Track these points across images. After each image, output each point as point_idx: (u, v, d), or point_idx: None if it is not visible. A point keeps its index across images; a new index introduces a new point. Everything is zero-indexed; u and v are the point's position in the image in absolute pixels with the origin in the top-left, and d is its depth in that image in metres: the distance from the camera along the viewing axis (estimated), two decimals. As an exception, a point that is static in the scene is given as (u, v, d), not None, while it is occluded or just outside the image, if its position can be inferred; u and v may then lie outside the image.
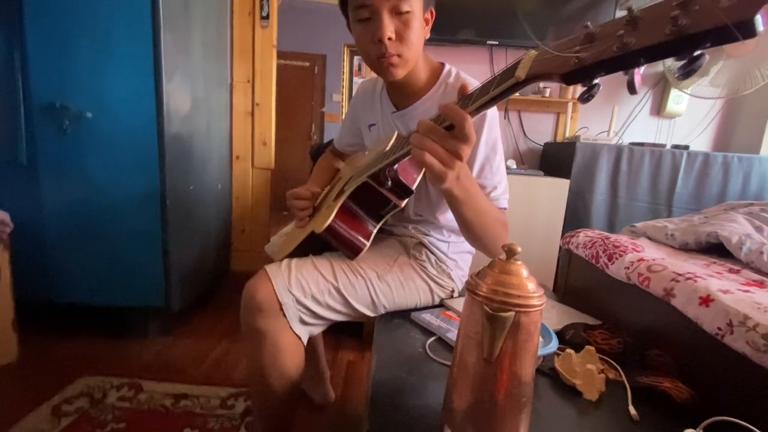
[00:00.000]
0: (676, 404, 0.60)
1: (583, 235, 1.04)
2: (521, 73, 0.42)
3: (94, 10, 1.25)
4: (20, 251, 1.29)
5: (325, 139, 4.39)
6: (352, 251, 0.79)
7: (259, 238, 2.03)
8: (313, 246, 0.85)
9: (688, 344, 0.67)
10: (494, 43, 1.78)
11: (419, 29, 0.72)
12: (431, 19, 0.77)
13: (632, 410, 0.59)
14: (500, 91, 0.45)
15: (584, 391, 0.62)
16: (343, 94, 3.21)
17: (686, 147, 1.67)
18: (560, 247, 1.19)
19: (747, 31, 0.29)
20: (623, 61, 0.34)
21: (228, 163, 1.92)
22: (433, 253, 0.90)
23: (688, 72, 0.32)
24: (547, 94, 1.85)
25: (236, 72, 1.87)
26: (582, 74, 0.36)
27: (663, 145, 1.69)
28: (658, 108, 1.97)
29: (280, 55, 1.94)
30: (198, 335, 1.55)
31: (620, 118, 1.96)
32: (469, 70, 1.86)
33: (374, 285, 0.80)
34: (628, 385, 0.64)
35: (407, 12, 0.69)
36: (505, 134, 1.96)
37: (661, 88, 1.93)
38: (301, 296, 0.73)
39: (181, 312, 1.54)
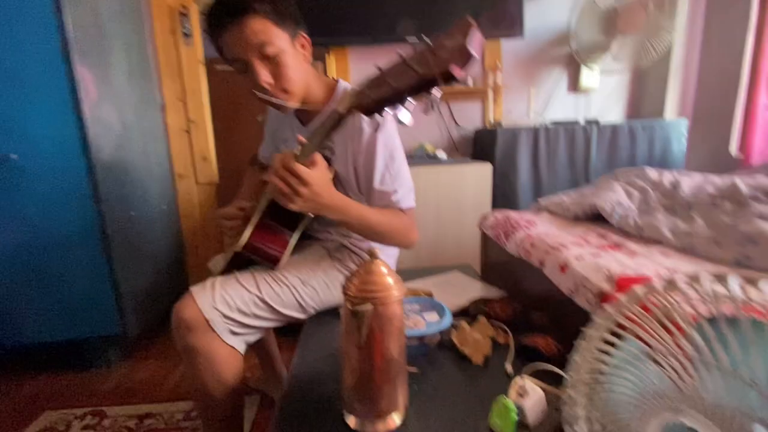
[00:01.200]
0: (547, 358, 0.73)
1: (492, 217, 1.17)
2: (341, 108, 0.51)
3: (4, 53, 1.24)
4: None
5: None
6: (271, 262, 0.87)
7: (212, 252, 2.06)
8: (241, 262, 0.92)
9: (557, 305, 0.79)
10: (412, 38, 1.86)
11: (295, 61, 0.79)
12: (307, 43, 0.84)
13: (508, 367, 0.70)
14: (331, 126, 0.55)
15: (472, 357, 0.73)
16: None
17: (596, 122, 1.83)
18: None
19: (449, 79, 0.39)
20: (396, 99, 0.44)
21: (170, 182, 1.94)
22: (354, 252, 0.99)
23: (425, 110, 0.42)
24: (470, 84, 1.96)
25: (166, 91, 1.87)
26: (375, 110, 0.46)
27: (576, 122, 1.84)
28: (575, 84, 2.12)
29: (216, 61, 1.95)
30: (158, 357, 1.60)
31: (541, 98, 2.11)
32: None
33: (299, 290, 0.89)
34: (512, 346, 0.76)
35: (276, 54, 0.76)
36: (437, 125, 2.07)
37: (574, 66, 2.08)
38: (227, 310, 0.80)
39: (139, 336, 1.57)
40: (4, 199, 1.33)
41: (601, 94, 2.14)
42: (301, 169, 0.65)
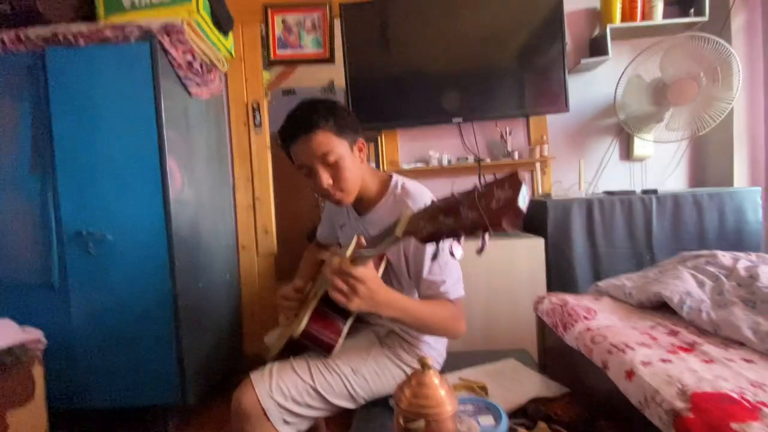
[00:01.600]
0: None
1: (547, 302, 1.13)
2: (399, 232, 0.56)
3: (111, 152, 1.51)
4: (52, 365, 1.44)
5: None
6: (325, 350, 0.90)
7: (268, 319, 2.15)
8: (297, 344, 0.96)
9: (627, 412, 0.73)
10: (459, 120, 1.97)
11: (352, 165, 0.89)
12: (364, 147, 0.95)
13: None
14: (387, 244, 0.59)
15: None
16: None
17: (654, 191, 1.75)
18: (535, 311, 1.26)
19: (498, 230, 0.42)
20: (450, 235, 0.47)
21: (235, 253, 2.11)
22: (404, 339, 0.99)
23: (480, 251, 0.45)
24: (516, 157, 2.00)
25: (237, 172, 2.11)
26: (431, 240, 0.50)
27: (632, 192, 1.78)
28: (627, 152, 2.08)
29: (276, 144, 2.19)
30: (215, 423, 1.63)
31: (592, 167, 2.08)
32: (442, 146, 2.05)
33: (350, 380, 0.90)
34: (577, 460, 0.70)
35: (336, 160, 0.86)
36: (485, 196, 2.09)
37: (624, 135, 2.05)
38: (282, 400, 0.83)
39: (198, 403, 1.63)
40: (98, 274, 1.53)
41: (658, 162, 2.07)
42: (356, 271, 0.70)
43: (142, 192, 1.53)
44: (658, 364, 0.70)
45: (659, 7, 1.90)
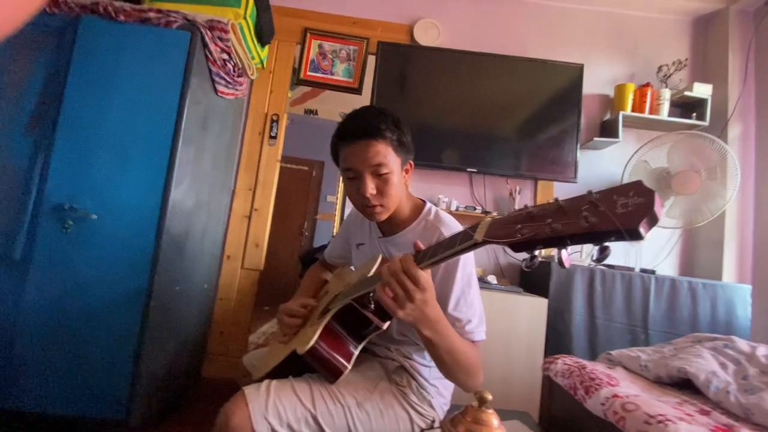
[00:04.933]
0: None
1: (561, 363, 1.06)
2: (479, 236, 0.51)
3: (121, 131, 1.42)
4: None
5: (315, 238, 4.52)
6: (332, 374, 0.79)
7: (237, 341, 1.97)
8: (294, 365, 0.85)
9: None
10: (473, 170, 2.01)
11: (398, 182, 0.85)
12: (411, 169, 0.92)
13: None
14: (461, 248, 0.54)
15: None
16: (336, 204, 3.45)
17: (653, 271, 1.79)
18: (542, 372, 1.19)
19: (634, 236, 0.39)
20: (554, 242, 0.43)
21: (218, 262, 1.96)
22: (414, 378, 0.90)
23: (599, 259, 0.41)
24: (523, 216, 2.03)
25: (240, 180, 2.03)
26: (525, 247, 0.45)
27: (632, 269, 1.81)
28: (625, 232, 2.15)
29: (282, 159, 2.14)
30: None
31: (591, 240, 2.12)
32: (451, 191, 2.07)
33: (353, 413, 0.79)
34: None
35: (386, 174, 0.82)
36: (486, 249, 2.08)
37: (624, 214, 2.13)
38: (277, 424, 0.71)
39: (142, 426, 1.41)
40: (68, 254, 1.36)
41: (653, 245, 2.14)
42: (421, 273, 0.62)
43: (143, 178, 1.43)
44: (706, 441, 0.65)
45: (665, 106, 2.07)
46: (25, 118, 1.41)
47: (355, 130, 0.82)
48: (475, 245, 0.52)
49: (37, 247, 1.35)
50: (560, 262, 0.44)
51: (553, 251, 0.44)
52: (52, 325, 1.34)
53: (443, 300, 0.83)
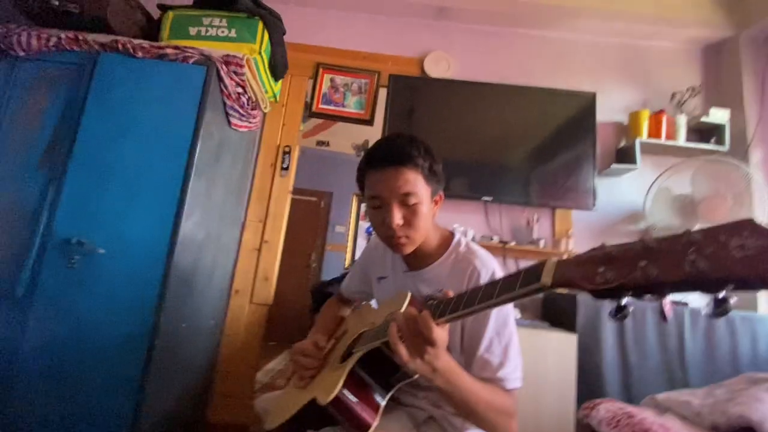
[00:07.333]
0: None
1: (603, 410, 0.96)
2: (547, 279, 0.44)
3: (133, 165, 1.40)
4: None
5: (324, 270, 4.43)
6: (358, 429, 0.70)
7: (244, 381, 1.86)
8: (313, 414, 0.77)
9: None
10: (488, 199, 1.96)
11: (427, 214, 0.80)
12: (440, 201, 0.86)
13: None
14: (522, 293, 0.48)
15: None
16: (347, 234, 3.40)
17: (685, 304, 1.68)
18: (578, 419, 1.08)
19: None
20: (649, 289, 0.37)
21: (226, 297, 1.89)
22: (446, 430, 0.81)
23: (718, 314, 0.34)
24: (541, 246, 1.95)
25: (251, 212, 2.00)
26: (611, 293, 0.39)
27: (682, 303, 1.70)
28: (648, 261, 2.06)
29: (295, 192, 2.11)
30: None
31: (614, 270, 2.03)
32: (465, 220, 2.01)
33: (379, 474, 0.70)
34: None
35: (415, 204, 0.77)
36: (504, 280, 1.99)
37: (647, 243, 2.05)
38: (295, 491, 0.62)
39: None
40: (73, 291, 1.31)
41: (680, 275, 2.04)
42: (436, 332, 0.58)
43: (153, 211, 1.40)
44: None
45: (682, 132, 2.04)
46: (39, 153, 1.41)
47: (385, 156, 0.78)
48: (542, 289, 0.45)
49: (40, 284, 1.31)
50: (662, 315, 0.38)
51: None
52: (51, 366, 1.27)
53: (475, 341, 0.76)
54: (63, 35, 1.47)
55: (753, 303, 1.88)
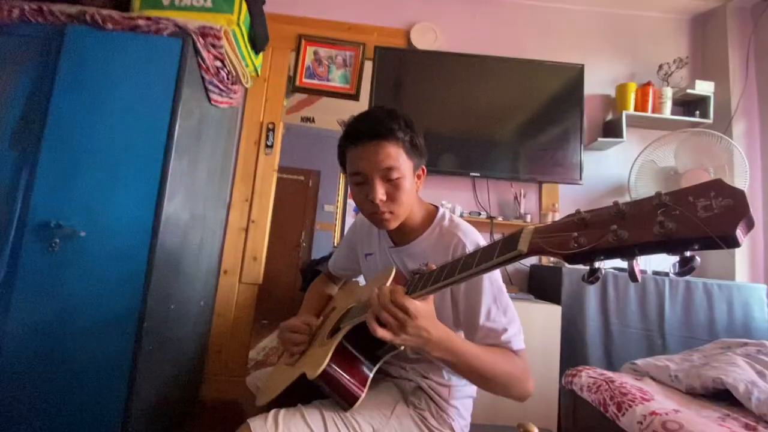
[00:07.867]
0: None
1: (585, 376, 1.00)
2: (523, 246, 0.44)
3: (110, 143, 1.35)
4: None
5: (314, 249, 4.44)
6: (346, 401, 0.72)
7: (236, 359, 1.88)
8: (303, 390, 0.78)
9: None
10: (476, 174, 1.96)
11: (410, 188, 0.79)
12: (423, 175, 0.86)
13: None
14: (501, 261, 0.48)
15: None
16: (336, 214, 3.37)
17: (666, 273, 1.73)
18: (562, 386, 1.12)
19: (730, 243, 0.33)
20: (619, 252, 0.37)
21: (215, 278, 1.88)
22: (432, 399, 0.83)
23: (683, 272, 0.35)
24: (528, 221, 1.97)
25: (236, 192, 1.96)
26: (583, 257, 0.39)
27: (644, 271, 1.75)
28: (632, 234, 2.10)
29: (281, 170, 2.08)
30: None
31: (599, 243, 2.07)
32: (454, 197, 2.01)
33: (369, 443, 0.72)
34: None
35: (398, 178, 0.76)
36: (492, 255, 2.02)
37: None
38: (287, 461, 0.64)
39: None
40: (56, 275, 1.28)
41: (662, 246, 2.09)
42: (411, 304, 0.59)
43: (135, 192, 1.35)
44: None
45: (668, 104, 2.04)
46: (8, 133, 1.34)
47: (365, 131, 0.76)
48: (519, 257, 0.45)
49: (21, 269, 1.27)
50: (632, 276, 0.38)
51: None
52: (39, 351, 1.25)
53: (473, 312, 0.76)
54: (26, 6, 1.38)
55: (731, 272, 1.95)
